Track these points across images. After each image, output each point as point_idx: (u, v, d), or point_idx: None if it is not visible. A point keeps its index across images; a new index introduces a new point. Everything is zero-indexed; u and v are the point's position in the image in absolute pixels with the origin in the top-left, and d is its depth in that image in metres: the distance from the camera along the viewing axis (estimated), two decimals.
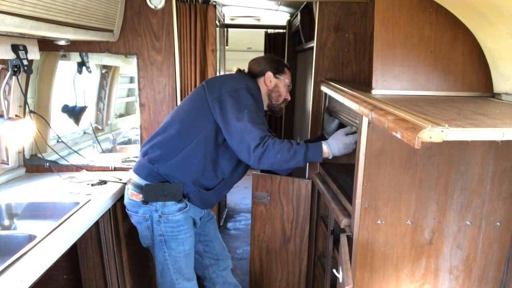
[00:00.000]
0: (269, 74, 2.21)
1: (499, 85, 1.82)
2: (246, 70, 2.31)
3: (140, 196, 2.05)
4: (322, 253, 2.85)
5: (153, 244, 2.14)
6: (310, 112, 2.76)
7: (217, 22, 2.76)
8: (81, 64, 2.99)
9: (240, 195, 5.47)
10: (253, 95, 2.02)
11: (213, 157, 2.06)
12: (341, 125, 2.30)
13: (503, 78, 1.77)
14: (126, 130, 4.04)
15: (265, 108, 2.26)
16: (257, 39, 4.64)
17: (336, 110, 2.32)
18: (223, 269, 2.50)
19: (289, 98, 2.30)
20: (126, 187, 2.14)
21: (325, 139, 2.16)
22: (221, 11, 3.55)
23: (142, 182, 2.06)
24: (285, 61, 2.37)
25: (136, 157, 2.93)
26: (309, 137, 2.76)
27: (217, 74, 2.78)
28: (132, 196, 2.09)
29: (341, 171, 2.42)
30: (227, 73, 2.76)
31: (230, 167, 2.12)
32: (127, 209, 2.16)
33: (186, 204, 2.08)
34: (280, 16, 4.10)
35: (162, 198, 2.02)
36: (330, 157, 1.99)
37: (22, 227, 2.16)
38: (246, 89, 2.00)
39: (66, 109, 3.11)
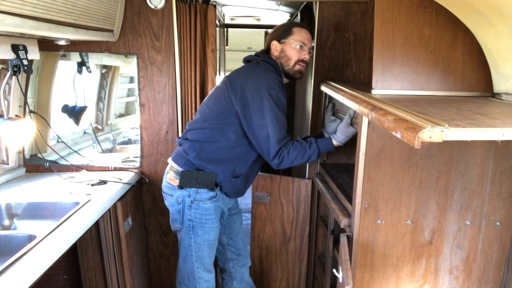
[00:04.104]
0: (274, 43, 2.20)
1: (499, 85, 1.82)
2: None
3: (177, 181, 2.17)
4: (322, 253, 2.85)
5: (182, 228, 2.22)
6: (310, 112, 2.75)
7: (217, 22, 2.75)
8: (81, 64, 3.00)
9: None
10: (274, 97, 2.01)
11: (242, 148, 2.13)
12: None
13: (503, 78, 1.77)
14: (126, 130, 4.04)
15: (284, 80, 2.23)
16: (257, 39, 4.63)
17: (342, 111, 2.32)
18: (242, 266, 2.53)
19: (305, 57, 2.19)
20: (166, 171, 2.27)
21: (324, 136, 2.29)
22: (221, 11, 3.54)
23: (179, 169, 2.18)
24: (297, 22, 2.26)
25: (136, 157, 2.95)
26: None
27: (217, 74, 2.78)
28: (170, 180, 2.22)
29: (341, 171, 2.42)
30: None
31: (256, 155, 2.18)
32: (163, 192, 2.28)
33: (217, 194, 2.18)
34: (280, 16, 4.09)
35: (196, 185, 2.14)
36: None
37: (22, 227, 2.16)
38: (267, 90, 2.00)
39: (66, 109, 3.11)
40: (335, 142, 2.11)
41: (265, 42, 2.31)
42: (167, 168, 2.27)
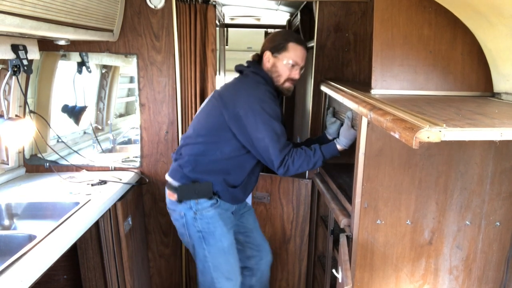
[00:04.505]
0: (267, 54, 2.16)
1: (499, 85, 1.82)
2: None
3: (175, 195, 2.16)
4: (322, 253, 2.85)
5: (193, 242, 2.20)
6: (310, 112, 2.75)
7: (217, 22, 2.75)
8: (81, 64, 3.00)
9: None
10: (267, 109, 2.00)
11: (238, 159, 2.13)
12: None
13: (503, 78, 1.77)
14: (126, 130, 4.04)
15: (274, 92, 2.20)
16: (257, 39, 4.63)
17: (342, 112, 2.32)
18: (264, 262, 2.51)
19: (294, 77, 2.16)
20: (166, 188, 2.27)
21: (326, 138, 2.30)
22: (221, 11, 3.54)
23: (176, 183, 2.17)
24: (297, 35, 2.16)
25: (136, 157, 2.95)
26: (309, 137, 2.76)
27: (217, 74, 2.78)
28: (169, 196, 2.22)
29: (341, 171, 2.42)
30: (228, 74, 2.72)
31: (253, 163, 2.17)
32: (168, 207, 2.28)
33: (217, 200, 2.16)
34: (280, 16, 4.09)
35: (194, 196, 2.13)
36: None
37: (22, 227, 2.16)
38: (259, 104, 1.99)
39: (66, 109, 3.12)
40: (339, 147, 2.09)
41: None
42: (166, 184, 2.26)
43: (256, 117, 1.98)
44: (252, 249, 2.48)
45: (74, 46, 2.62)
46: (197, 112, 2.26)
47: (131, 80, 4.19)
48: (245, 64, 2.23)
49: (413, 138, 1.06)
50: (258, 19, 4.50)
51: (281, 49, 2.13)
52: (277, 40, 2.16)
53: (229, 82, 2.21)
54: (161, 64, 2.67)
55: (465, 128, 1.08)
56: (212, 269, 2.17)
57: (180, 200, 2.14)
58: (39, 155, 2.65)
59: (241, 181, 2.18)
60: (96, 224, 2.28)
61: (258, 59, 2.23)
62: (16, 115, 2.39)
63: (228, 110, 2.03)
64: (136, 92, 2.74)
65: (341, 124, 2.17)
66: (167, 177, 2.24)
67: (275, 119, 2.01)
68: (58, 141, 2.92)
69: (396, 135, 1.17)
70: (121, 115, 4.34)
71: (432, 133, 1.05)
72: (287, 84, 2.18)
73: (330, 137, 2.31)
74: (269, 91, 2.09)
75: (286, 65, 2.13)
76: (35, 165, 2.70)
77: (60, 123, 3.12)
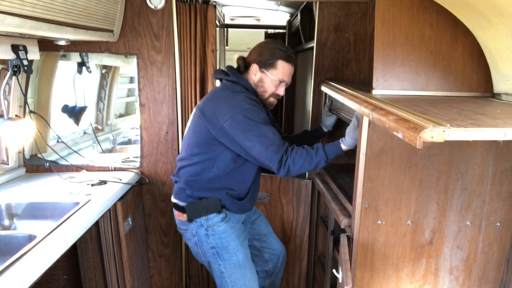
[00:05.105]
0: (254, 67, 2.12)
1: (499, 85, 1.82)
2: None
3: (185, 215, 2.15)
4: (322, 253, 2.85)
5: (208, 260, 2.18)
6: (310, 112, 2.75)
7: (217, 22, 2.75)
8: (81, 64, 2.99)
9: None
10: (250, 116, 1.96)
11: (237, 173, 2.12)
12: (339, 121, 2.36)
13: (503, 78, 1.77)
14: (126, 130, 4.04)
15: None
16: (257, 39, 4.62)
17: (338, 107, 2.32)
18: (280, 265, 2.51)
19: (280, 93, 2.15)
20: (174, 209, 2.25)
21: (322, 130, 2.41)
22: (221, 11, 3.54)
23: (183, 203, 2.16)
24: (287, 50, 2.13)
25: (136, 157, 2.95)
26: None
27: None
28: (178, 216, 2.21)
29: (341, 171, 2.42)
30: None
31: (255, 171, 2.16)
32: (178, 228, 2.27)
33: (226, 214, 2.14)
34: (280, 16, 4.10)
35: (203, 213, 2.11)
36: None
37: (22, 227, 2.16)
38: (241, 113, 1.95)
39: (66, 109, 3.11)
40: (344, 147, 2.01)
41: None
42: (174, 206, 2.24)
43: (241, 127, 1.95)
44: (270, 253, 2.47)
45: (74, 46, 2.62)
46: (186, 132, 2.23)
47: (131, 80, 4.19)
48: (225, 70, 2.18)
49: (417, 138, 1.06)
50: (258, 20, 4.51)
51: (269, 65, 2.09)
52: (266, 54, 2.11)
53: (208, 95, 2.18)
54: (161, 64, 2.66)
55: (468, 128, 1.08)
56: (230, 285, 2.14)
57: (190, 220, 2.13)
58: (39, 155, 2.65)
59: (246, 193, 2.18)
60: (96, 224, 2.28)
61: (243, 65, 2.17)
62: (16, 115, 2.39)
63: (213, 125, 2.01)
64: (136, 92, 2.74)
65: (338, 118, 2.14)
66: (173, 199, 2.23)
67: (262, 123, 1.97)
68: (58, 141, 2.92)
69: (400, 135, 1.17)
70: (121, 115, 4.34)
71: (436, 133, 1.05)
72: (271, 99, 2.17)
73: (325, 129, 2.32)
74: (249, 97, 2.04)
75: (273, 81, 2.11)
76: (35, 165, 2.70)
77: (60, 123, 3.12)
